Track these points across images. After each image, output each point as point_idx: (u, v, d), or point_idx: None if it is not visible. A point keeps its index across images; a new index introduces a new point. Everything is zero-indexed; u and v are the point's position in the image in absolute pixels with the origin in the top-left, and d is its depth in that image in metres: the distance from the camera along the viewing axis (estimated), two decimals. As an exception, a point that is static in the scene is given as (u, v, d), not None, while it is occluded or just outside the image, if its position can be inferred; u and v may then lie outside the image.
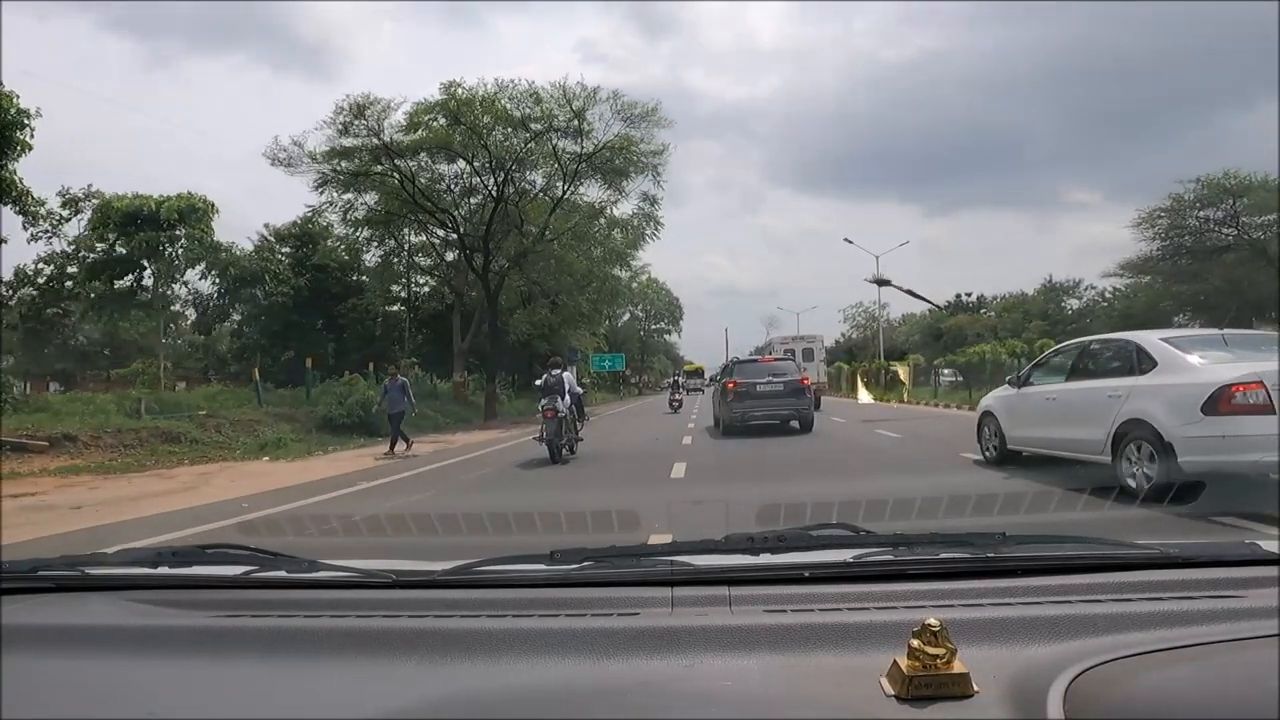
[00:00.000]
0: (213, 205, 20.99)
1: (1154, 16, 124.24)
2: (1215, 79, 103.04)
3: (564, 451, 10.38)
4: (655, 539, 4.68)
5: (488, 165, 22.79)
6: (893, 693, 0.88)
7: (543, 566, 1.36)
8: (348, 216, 24.68)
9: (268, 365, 25.90)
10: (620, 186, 24.36)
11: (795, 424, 14.76)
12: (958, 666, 0.88)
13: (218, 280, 24.09)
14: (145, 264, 20.80)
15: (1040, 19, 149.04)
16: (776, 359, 18.89)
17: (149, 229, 19.83)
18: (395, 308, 32.28)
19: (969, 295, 56.14)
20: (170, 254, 20.72)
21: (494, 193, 23.60)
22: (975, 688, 0.88)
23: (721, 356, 49.12)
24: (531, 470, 9.59)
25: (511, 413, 25.91)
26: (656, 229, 26.51)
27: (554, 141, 22.58)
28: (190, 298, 26.02)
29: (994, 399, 9.05)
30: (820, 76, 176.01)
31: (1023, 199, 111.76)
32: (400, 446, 13.33)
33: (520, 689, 0.98)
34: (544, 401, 10.38)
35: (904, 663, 0.89)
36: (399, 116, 21.91)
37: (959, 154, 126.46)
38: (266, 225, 31.44)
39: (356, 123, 21.60)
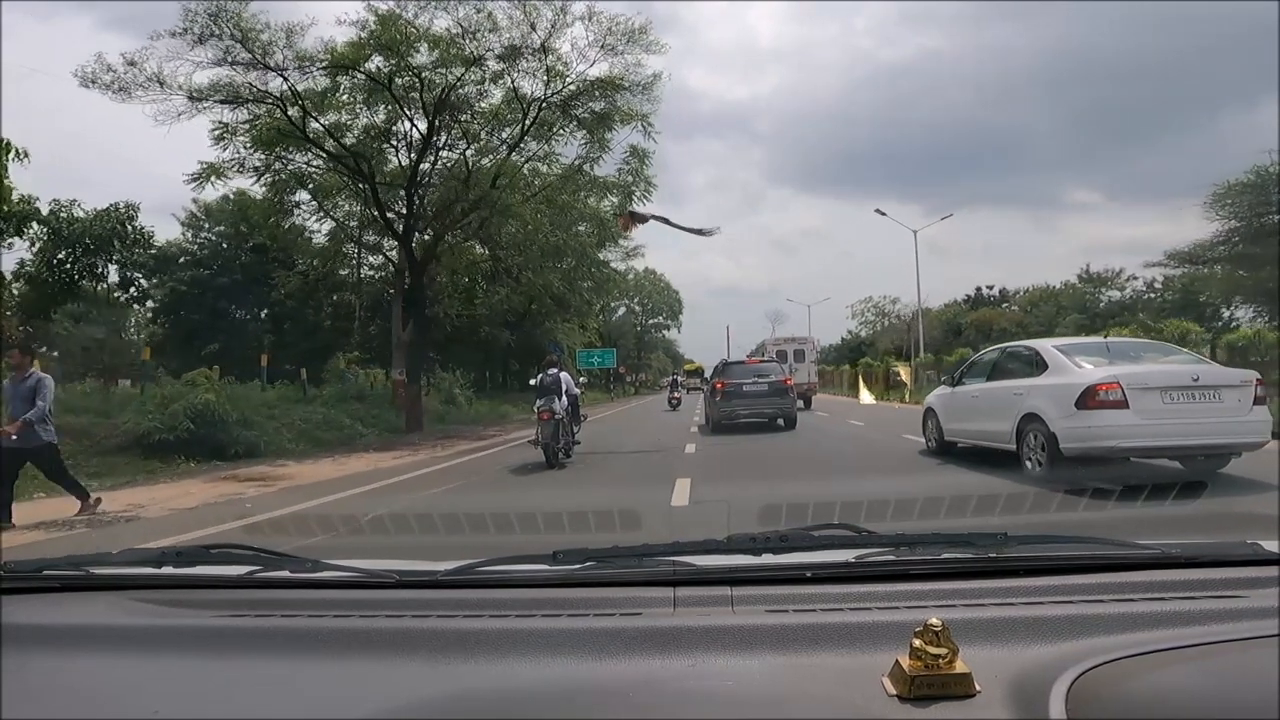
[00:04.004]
0: (11, 147, 13.03)
1: (1154, 16, 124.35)
2: (1215, 79, 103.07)
3: (560, 455, 10.10)
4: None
5: (419, 101, 17.68)
6: (895, 692, 0.89)
7: (545, 567, 1.35)
8: (262, 178, 19.00)
9: (192, 362, 20.51)
10: (602, 139, 19.23)
11: (780, 421, 15.63)
12: (960, 666, 0.89)
13: (41, 250, 17.66)
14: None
15: (1040, 19, 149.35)
16: (762, 360, 19.57)
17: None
18: (346, 295, 27.85)
19: (990, 288, 55.42)
20: None
21: (423, 134, 18.31)
22: (977, 687, 0.88)
23: (723, 355, 48.73)
24: (528, 475, 9.36)
25: (463, 420, 21.47)
26: (647, 191, 20.90)
27: (515, 81, 17.74)
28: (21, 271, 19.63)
29: (934, 397, 10.17)
30: (821, 76, 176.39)
31: (1023, 198, 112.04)
32: (104, 499, 7.71)
33: (523, 689, 0.98)
34: (540, 403, 10.09)
35: (906, 662, 0.89)
36: (309, 42, 16.33)
37: (959, 153, 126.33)
38: (195, 201, 27.15)
39: (231, 43, 15.50)
